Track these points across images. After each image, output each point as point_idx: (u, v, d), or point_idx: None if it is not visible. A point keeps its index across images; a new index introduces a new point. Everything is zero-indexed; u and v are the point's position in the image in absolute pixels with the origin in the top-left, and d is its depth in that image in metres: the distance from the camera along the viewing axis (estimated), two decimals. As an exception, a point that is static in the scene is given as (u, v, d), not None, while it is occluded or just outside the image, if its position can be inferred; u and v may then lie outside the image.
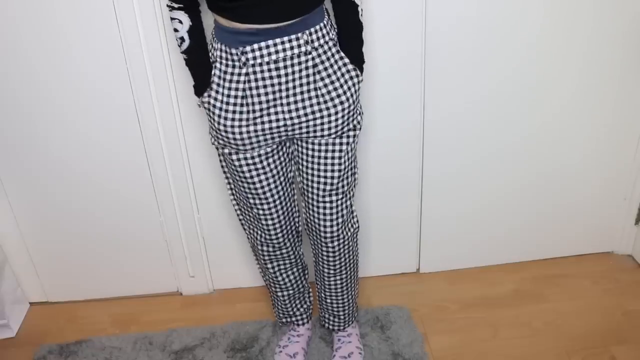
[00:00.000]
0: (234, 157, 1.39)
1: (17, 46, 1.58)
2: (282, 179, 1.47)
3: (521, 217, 1.98)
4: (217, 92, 1.33)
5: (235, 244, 1.94)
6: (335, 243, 1.52)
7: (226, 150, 1.40)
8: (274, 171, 1.43)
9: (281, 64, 1.26)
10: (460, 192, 1.90)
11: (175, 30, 1.33)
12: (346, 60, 1.35)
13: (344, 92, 1.34)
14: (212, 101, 1.34)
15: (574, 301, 1.88)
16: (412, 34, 1.62)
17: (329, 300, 1.68)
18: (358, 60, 1.38)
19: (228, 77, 1.30)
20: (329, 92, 1.33)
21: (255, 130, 1.33)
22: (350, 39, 1.37)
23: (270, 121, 1.33)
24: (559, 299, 1.89)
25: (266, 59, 1.25)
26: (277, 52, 1.25)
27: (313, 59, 1.29)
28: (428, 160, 1.83)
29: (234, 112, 1.32)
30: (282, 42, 1.24)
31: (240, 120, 1.32)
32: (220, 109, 1.33)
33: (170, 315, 1.93)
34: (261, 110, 1.31)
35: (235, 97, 1.31)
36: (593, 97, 1.79)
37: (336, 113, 1.35)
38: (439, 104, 1.74)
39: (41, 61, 1.60)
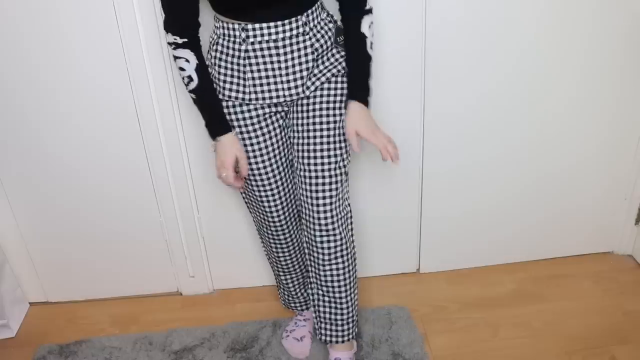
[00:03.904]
0: (235, 122, 1.42)
1: (17, 46, 1.58)
2: (281, 160, 1.48)
3: (521, 217, 1.97)
4: (218, 67, 1.37)
5: (235, 244, 1.94)
6: (329, 232, 1.47)
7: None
8: (273, 147, 1.45)
9: (280, 43, 1.31)
10: (460, 192, 1.90)
11: (182, 69, 1.34)
12: (340, 58, 1.41)
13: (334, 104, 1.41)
14: (216, 74, 1.39)
15: (574, 301, 1.88)
16: (413, 34, 1.62)
17: (322, 299, 1.55)
18: (362, 90, 1.41)
19: (230, 52, 1.34)
20: (326, 79, 1.40)
21: (257, 99, 1.38)
22: (357, 69, 1.40)
23: (270, 96, 1.37)
24: (559, 299, 1.89)
25: (266, 37, 1.30)
26: (277, 32, 1.30)
27: (310, 38, 1.34)
28: (428, 160, 1.83)
29: (237, 83, 1.36)
30: (283, 25, 1.30)
31: (240, 92, 1.37)
32: (220, 79, 1.38)
33: (170, 315, 1.93)
34: (261, 85, 1.36)
35: (238, 71, 1.35)
36: (593, 97, 1.79)
37: (328, 95, 1.40)
38: (439, 104, 1.74)
39: (41, 61, 1.60)
